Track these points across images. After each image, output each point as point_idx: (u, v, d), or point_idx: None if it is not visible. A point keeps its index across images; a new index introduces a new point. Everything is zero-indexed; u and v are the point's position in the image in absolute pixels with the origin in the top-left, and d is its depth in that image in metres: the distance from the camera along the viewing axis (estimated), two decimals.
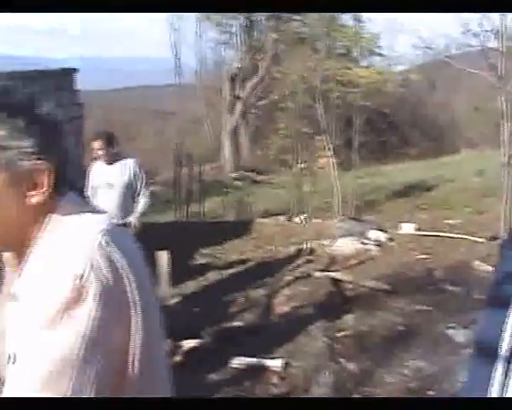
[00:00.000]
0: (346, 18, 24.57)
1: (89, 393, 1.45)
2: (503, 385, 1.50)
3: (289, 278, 9.66)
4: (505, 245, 1.74)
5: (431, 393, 5.91)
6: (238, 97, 28.85)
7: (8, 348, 1.61)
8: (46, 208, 1.60)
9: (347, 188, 16.99)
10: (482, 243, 11.10)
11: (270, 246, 11.98)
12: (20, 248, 1.62)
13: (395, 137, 31.53)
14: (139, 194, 7.49)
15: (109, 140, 7.42)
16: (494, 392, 1.50)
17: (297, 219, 14.64)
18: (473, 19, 13.41)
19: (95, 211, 1.67)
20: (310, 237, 12.04)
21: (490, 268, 9.10)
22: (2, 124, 1.52)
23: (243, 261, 10.96)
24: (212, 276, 10.10)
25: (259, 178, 24.61)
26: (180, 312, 8.11)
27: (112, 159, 7.40)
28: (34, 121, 1.56)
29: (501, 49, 12.50)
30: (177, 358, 6.67)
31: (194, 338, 7.14)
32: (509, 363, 1.50)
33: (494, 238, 11.09)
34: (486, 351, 1.56)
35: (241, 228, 13.25)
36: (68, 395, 1.42)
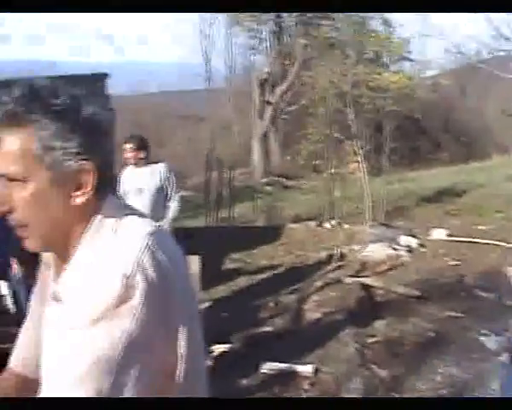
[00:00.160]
0: (376, 23, 24.54)
1: (129, 392, 1.46)
2: None
3: (320, 283, 9.64)
4: None
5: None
6: (268, 103, 28.83)
7: (48, 349, 1.62)
8: (89, 209, 1.61)
9: (377, 193, 16.91)
10: None
11: (300, 251, 11.97)
12: (63, 248, 1.63)
13: (426, 142, 31.35)
14: (170, 198, 7.50)
15: (140, 144, 7.43)
16: None
17: (327, 225, 14.59)
18: (504, 22, 13.33)
19: (136, 213, 1.68)
20: (340, 242, 12.01)
21: None
22: (47, 124, 1.53)
23: (273, 266, 10.96)
24: (243, 281, 10.11)
25: (289, 183, 24.57)
26: (210, 316, 8.12)
27: (142, 163, 7.42)
28: (79, 122, 1.57)
29: None
30: (208, 362, 6.68)
31: (225, 343, 7.15)
32: None
33: None
34: None
35: (271, 233, 13.25)
36: (106, 392, 1.43)
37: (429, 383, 6.27)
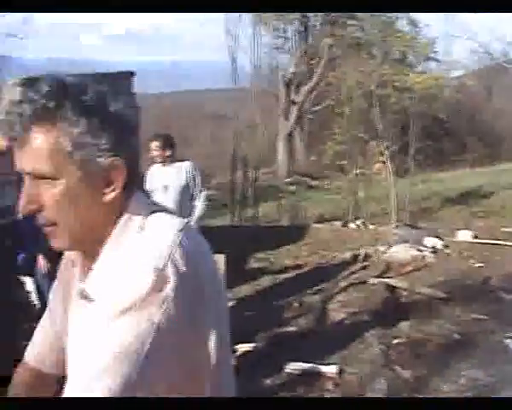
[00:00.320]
0: (403, 23, 24.47)
1: (153, 390, 1.45)
2: None
3: (344, 283, 9.63)
4: None
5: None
6: (293, 102, 28.83)
7: (75, 346, 1.63)
8: (117, 206, 1.60)
9: (403, 194, 16.87)
10: None
11: (325, 251, 11.95)
12: (91, 246, 1.62)
13: (451, 143, 31.18)
14: (195, 197, 7.52)
15: (166, 142, 7.44)
16: None
17: (352, 225, 14.58)
18: None
19: (164, 210, 1.67)
20: (365, 243, 11.99)
21: None
22: (78, 121, 1.52)
23: (298, 266, 10.96)
24: (267, 280, 10.11)
25: (314, 183, 24.57)
26: (234, 316, 8.12)
27: (168, 161, 7.44)
28: (108, 119, 1.56)
29: None
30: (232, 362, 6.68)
31: (249, 342, 7.15)
32: None
33: None
34: None
35: (295, 233, 13.25)
36: (131, 385, 1.41)
37: (453, 385, 6.25)
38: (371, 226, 14.09)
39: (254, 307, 8.68)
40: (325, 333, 7.81)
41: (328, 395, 6.05)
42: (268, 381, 6.37)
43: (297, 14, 27.75)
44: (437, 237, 12.00)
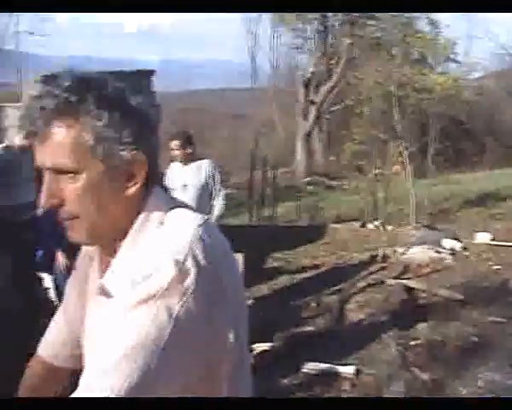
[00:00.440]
0: (423, 24, 24.40)
1: (167, 388, 1.45)
2: None
3: (362, 284, 9.61)
4: None
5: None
6: (312, 102, 28.83)
7: (94, 341, 1.63)
8: (137, 201, 1.61)
9: (421, 195, 16.82)
10: None
11: (343, 252, 11.93)
12: (111, 241, 1.63)
13: (471, 144, 31.09)
14: (214, 196, 7.51)
15: (186, 140, 7.42)
16: None
17: (371, 226, 14.54)
18: None
19: (183, 206, 1.68)
20: (384, 243, 11.97)
21: None
22: (100, 114, 1.51)
23: (316, 266, 10.94)
24: (284, 280, 10.10)
25: (332, 183, 24.54)
26: (251, 315, 8.12)
27: (189, 159, 7.43)
28: (129, 112, 1.56)
29: None
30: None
31: (266, 342, 7.14)
32: None
33: None
34: None
35: (314, 233, 13.23)
36: (147, 376, 1.40)
37: (471, 387, 6.22)
38: (389, 227, 14.04)
39: (272, 307, 8.67)
40: (342, 333, 7.79)
41: (344, 396, 6.05)
42: (285, 381, 6.36)
43: (316, 14, 27.74)
44: (455, 238, 11.95)
